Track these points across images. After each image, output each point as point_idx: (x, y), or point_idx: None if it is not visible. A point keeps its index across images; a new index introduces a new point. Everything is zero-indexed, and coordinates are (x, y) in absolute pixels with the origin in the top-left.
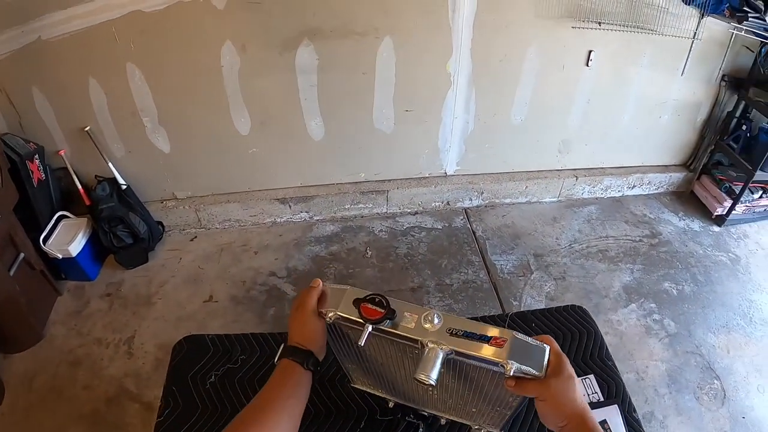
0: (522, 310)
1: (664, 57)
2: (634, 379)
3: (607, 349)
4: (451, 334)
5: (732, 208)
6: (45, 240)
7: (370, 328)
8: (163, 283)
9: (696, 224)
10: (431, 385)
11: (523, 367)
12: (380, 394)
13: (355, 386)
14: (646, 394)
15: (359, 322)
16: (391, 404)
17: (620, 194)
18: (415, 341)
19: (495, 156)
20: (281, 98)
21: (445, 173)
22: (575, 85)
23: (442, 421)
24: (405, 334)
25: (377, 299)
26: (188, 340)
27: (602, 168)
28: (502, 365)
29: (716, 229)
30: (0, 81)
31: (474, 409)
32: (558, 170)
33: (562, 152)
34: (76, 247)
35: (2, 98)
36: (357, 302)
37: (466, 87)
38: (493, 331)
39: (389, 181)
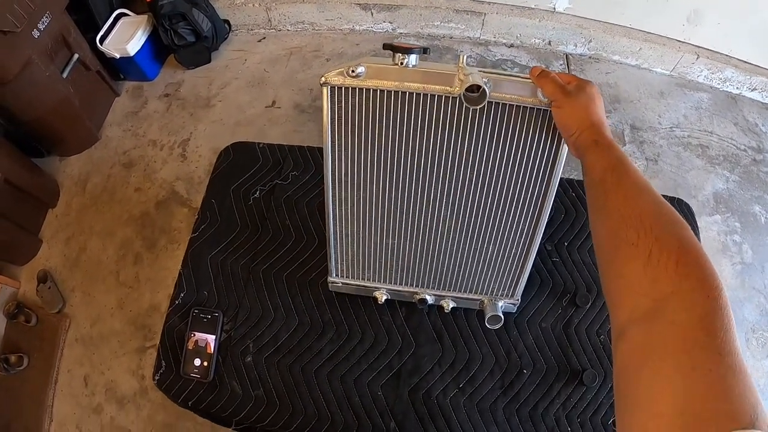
0: None
1: None
2: None
3: None
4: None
5: None
6: (102, 39)
7: (408, 58)
8: (225, 85)
9: None
10: (483, 90)
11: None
12: (366, 286)
13: (334, 283)
14: None
15: (391, 69)
16: (381, 299)
17: (738, 92)
18: (451, 75)
19: (614, 3)
20: None
21: (554, 8)
22: None
23: (447, 308)
24: (442, 71)
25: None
26: (236, 148)
27: (728, 56)
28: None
29: None
30: None
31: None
32: (680, 41)
33: (690, 22)
34: (134, 45)
35: None
36: (387, 45)
37: None
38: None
39: (489, 3)
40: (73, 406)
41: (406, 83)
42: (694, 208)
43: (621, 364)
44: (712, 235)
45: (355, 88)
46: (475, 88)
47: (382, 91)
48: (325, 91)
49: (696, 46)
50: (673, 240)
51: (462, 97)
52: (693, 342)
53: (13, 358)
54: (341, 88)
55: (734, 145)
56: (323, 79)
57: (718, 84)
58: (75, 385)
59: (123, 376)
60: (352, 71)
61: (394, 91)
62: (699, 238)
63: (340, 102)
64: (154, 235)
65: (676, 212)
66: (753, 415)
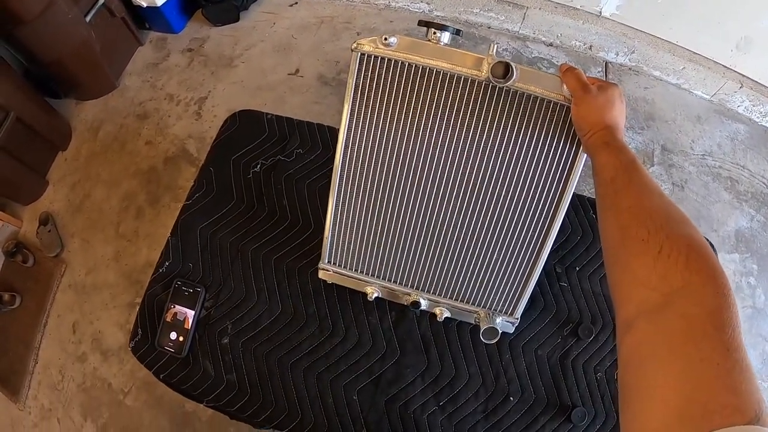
0: None
1: None
2: None
3: None
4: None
5: None
6: None
7: (441, 35)
8: (250, 47)
9: None
10: (510, 68)
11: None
12: (358, 278)
13: (325, 270)
14: None
15: (423, 45)
16: (372, 296)
17: None
18: (480, 59)
19: (664, 16)
20: None
21: (600, 12)
22: None
23: (440, 316)
24: (469, 53)
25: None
26: (244, 116)
27: None
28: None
29: None
30: None
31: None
32: (725, 67)
33: (739, 49)
34: None
35: None
36: (422, 21)
37: None
38: None
39: None
40: (59, 351)
41: (435, 60)
42: (714, 243)
43: (627, 356)
44: (728, 273)
45: (384, 58)
46: (504, 69)
47: (410, 64)
48: (355, 57)
49: (741, 74)
50: (684, 237)
51: (490, 76)
52: (702, 335)
53: (6, 296)
54: (371, 56)
55: (765, 184)
56: (355, 44)
57: (758, 117)
58: (63, 330)
59: (110, 328)
60: (385, 39)
61: (422, 67)
62: None
63: (367, 71)
64: (159, 191)
65: (685, 213)
66: (758, 411)
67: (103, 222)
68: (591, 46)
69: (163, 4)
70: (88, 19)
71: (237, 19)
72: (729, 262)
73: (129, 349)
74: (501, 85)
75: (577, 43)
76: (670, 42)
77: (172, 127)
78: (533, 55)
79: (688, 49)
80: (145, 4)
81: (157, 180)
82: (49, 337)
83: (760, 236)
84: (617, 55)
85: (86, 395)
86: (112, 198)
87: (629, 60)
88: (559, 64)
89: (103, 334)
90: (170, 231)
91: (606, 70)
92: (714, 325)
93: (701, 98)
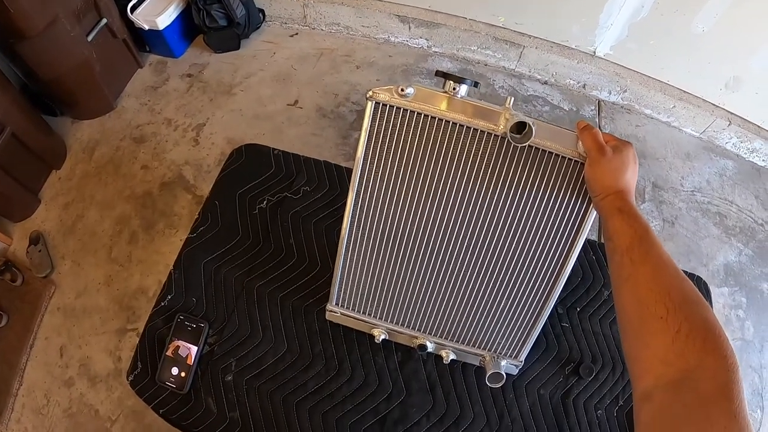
0: None
1: None
2: None
3: None
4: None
5: None
6: (133, 9)
7: (459, 88)
8: (250, 75)
9: None
10: (529, 128)
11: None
12: (366, 321)
13: (333, 312)
14: None
15: (440, 96)
16: (379, 338)
17: (763, 164)
18: (497, 113)
19: (655, 57)
20: None
21: (594, 53)
22: None
23: (446, 359)
24: (486, 106)
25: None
26: (250, 150)
27: (759, 127)
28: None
29: None
30: None
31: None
32: (714, 105)
33: (728, 88)
34: (164, 20)
35: None
36: (440, 72)
37: None
38: None
39: (529, 36)
40: (45, 374)
41: (452, 113)
42: (704, 277)
43: (647, 422)
44: (717, 307)
45: (400, 108)
46: (521, 126)
47: (426, 116)
48: (370, 105)
49: (729, 112)
50: (700, 320)
51: (508, 133)
52: (714, 405)
53: None
54: (386, 105)
55: (752, 218)
56: (370, 93)
57: (746, 154)
58: (50, 353)
59: (99, 354)
60: (402, 90)
61: (438, 119)
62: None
63: (382, 119)
64: (153, 217)
65: (696, 289)
66: None
67: (95, 245)
68: (585, 84)
69: (165, 28)
70: (89, 38)
71: (238, 47)
72: (719, 296)
73: (127, 381)
74: (518, 144)
75: (572, 82)
76: (662, 81)
77: (169, 153)
78: (528, 93)
79: (678, 88)
80: (146, 27)
81: (152, 205)
82: (35, 360)
83: (748, 269)
84: (610, 93)
85: (72, 421)
86: (105, 221)
87: (621, 99)
88: (554, 102)
89: (92, 360)
90: (173, 264)
91: (599, 108)
92: (725, 396)
93: (691, 135)
